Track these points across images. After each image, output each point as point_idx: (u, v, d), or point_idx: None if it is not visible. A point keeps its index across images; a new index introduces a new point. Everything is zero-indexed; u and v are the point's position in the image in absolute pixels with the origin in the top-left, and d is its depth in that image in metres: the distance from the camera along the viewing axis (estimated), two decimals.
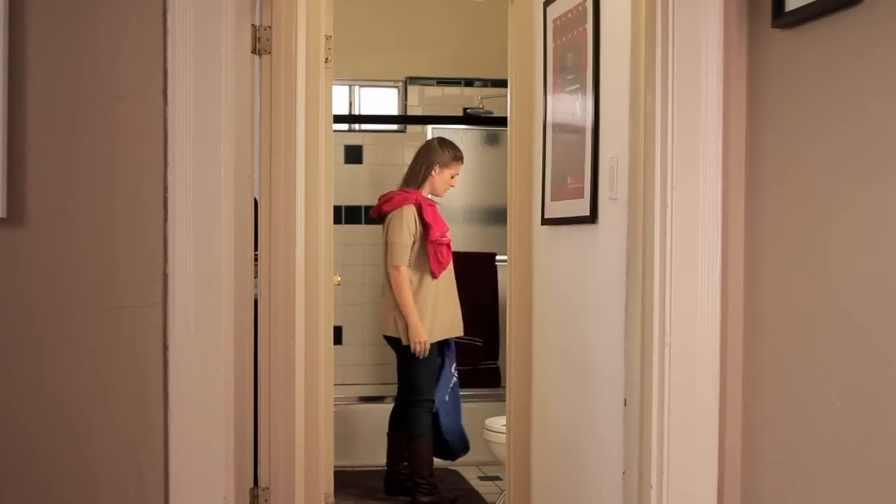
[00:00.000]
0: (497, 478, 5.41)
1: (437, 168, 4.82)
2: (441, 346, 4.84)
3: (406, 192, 4.77)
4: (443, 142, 4.97)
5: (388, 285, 4.82)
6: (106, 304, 1.94)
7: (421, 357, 4.70)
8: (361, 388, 6.27)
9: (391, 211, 4.74)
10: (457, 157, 4.90)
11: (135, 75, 1.95)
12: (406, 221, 4.68)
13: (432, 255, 4.71)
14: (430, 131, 6.16)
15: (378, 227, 6.61)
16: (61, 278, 1.93)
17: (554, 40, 3.43)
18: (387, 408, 5.90)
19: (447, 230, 4.80)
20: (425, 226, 4.69)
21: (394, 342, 4.88)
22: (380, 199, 4.88)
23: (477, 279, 5.81)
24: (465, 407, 5.24)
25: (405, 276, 4.68)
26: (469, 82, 6.56)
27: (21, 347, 1.93)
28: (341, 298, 6.16)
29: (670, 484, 2.14)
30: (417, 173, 4.84)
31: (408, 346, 4.72)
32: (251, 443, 3.00)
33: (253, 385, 3.01)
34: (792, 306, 1.91)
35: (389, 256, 4.73)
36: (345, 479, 5.27)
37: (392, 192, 4.85)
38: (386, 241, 4.77)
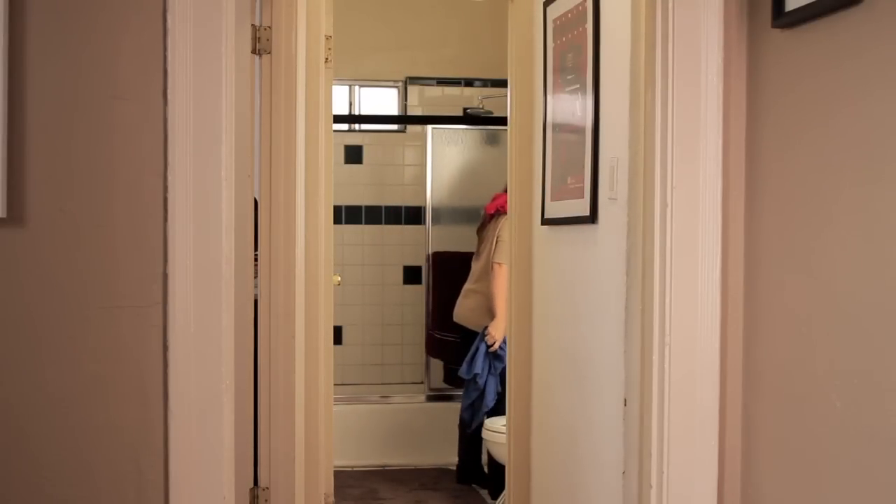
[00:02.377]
0: None
1: None
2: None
3: None
4: None
5: (482, 279, 5.04)
6: (106, 304, 1.94)
7: (492, 349, 4.97)
8: (361, 388, 6.28)
9: None
10: None
11: (135, 75, 1.94)
12: None
13: None
14: (430, 131, 6.17)
15: (377, 228, 6.59)
16: (61, 278, 1.93)
17: (554, 40, 3.43)
18: (386, 408, 5.91)
19: None
20: None
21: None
22: (501, 198, 5.00)
23: None
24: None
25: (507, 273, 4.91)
26: (469, 82, 6.56)
27: (21, 347, 1.93)
28: (341, 298, 6.16)
29: (670, 484, 2.14)
30: None
31: None
32: (251, 443, 3.00)
33: (253, 385, 3.01)
34: (792, 306, 1.91)
35: (497, 253, 4.86)
36: (345, 479, 5.27)
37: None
38: (497, 238, 4.95)
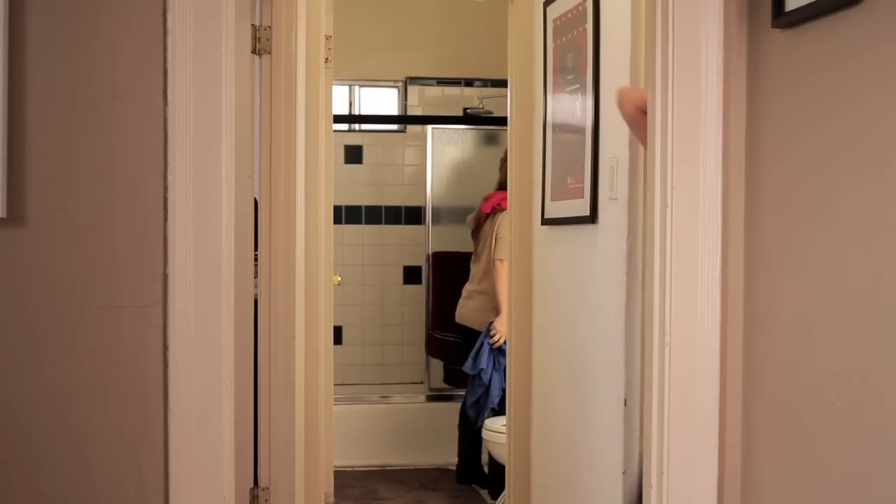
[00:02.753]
0: None
1: None
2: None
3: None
4: None
5: (485, 279, 5.05)
6: (106, 304, 1.94)
7: (496, 345, 4.98)
8: (361, 388, 6.28)
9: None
10: None
11: (135, 75, 1.94)
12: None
13: None
14: (430, 131, 6.17)
15: (377, 228, 6.59)
16: (61, 278, 1.93)
17: (554, 40, 3.43)
18: (386, 408, 5.90)
19: None
20: None
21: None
22: (496, 196, 5.04)
23: None
24: None
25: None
26: (469, 82, 6.56)
27: (21, 347, 1.93)
28: (341, 298, 6.16)
29: (670, 484, 2.14)
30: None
31: None
32: (251, 443, 3.00)
33: (253, 384, 3.01)
34: (792, 306, 1.91)
35: (497, 250, 4.92)
36: (345, 479, 5.27)
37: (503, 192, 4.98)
38: (496, 236, 4.98)
